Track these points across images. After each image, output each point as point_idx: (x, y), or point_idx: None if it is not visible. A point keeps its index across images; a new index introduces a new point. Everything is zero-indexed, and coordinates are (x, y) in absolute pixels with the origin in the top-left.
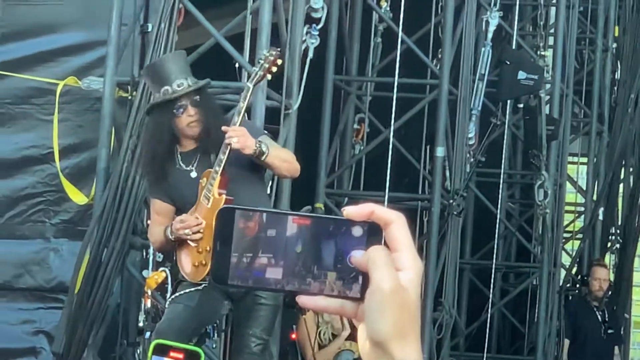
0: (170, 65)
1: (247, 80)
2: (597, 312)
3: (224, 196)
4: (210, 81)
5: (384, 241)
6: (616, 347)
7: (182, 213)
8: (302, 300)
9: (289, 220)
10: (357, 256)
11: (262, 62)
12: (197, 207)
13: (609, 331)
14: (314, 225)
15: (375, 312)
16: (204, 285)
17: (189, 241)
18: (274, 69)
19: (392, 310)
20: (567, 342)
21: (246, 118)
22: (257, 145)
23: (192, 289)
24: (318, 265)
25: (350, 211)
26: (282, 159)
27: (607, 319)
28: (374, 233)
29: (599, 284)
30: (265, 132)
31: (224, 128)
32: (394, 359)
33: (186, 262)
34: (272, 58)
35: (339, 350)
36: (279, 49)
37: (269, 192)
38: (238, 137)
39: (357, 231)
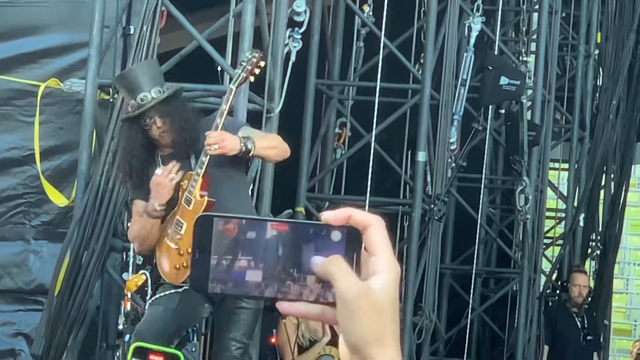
0: (136, 75)
1: (230, 83)
2: (576, 319)
3: (205, 198)
4: (183, 87)
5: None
6: (595, 354)
7: (164, 215)
8: (283, 306)
9: (268, 225)
10: (317, 263)
11: (244, 64)
12: (177, 210)
13: (588, 337)
14: (294, 230)
15: (347, 320)
16: (184, 287)
17: (169, 243)
18: (257, 71)
19: (363, 316)
20: (546, 348)
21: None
22: (242, 144)
23: (173, 291)
24: (297, 268)
25: (328, 216)
26: (269, 146)
27: (586, 326)
28: (352, 237)
29: (579, 290)
30: (246, 123)
31: (206, 133)
32: None
33: (166, 264)
34: (254, 60)
35: (318, 356)
36: (261, 52)
37: (250, 194)
38: (217, 144)
39: (335, 236)
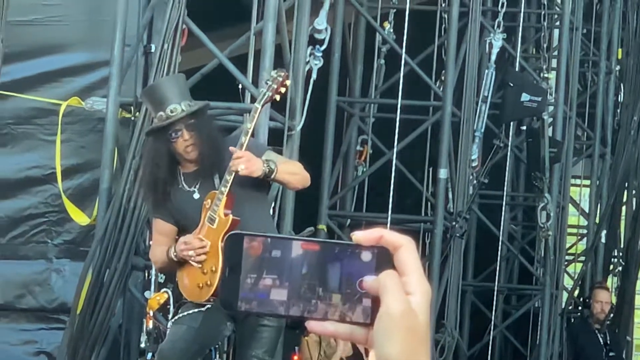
0: (165, 88)
1: (255, 102)
2: (599, 335)
3: (230, 216)
4: (209, 103)
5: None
6: None
7: (186, 233)
8: (312, 325)
9: (297, 243)
10: (369, 281)
11: (270, 83)
12: (201, 229)
13: (611, 354)
14: (322, 249)
15: (384, 336)
16: (207, 306)
17: (192, 263)
18: (282, 90)
19: (400, 334)
20: None
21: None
22: (265, 166)
23: (196, 310)
24: (324, 287)
25: (359, 236)
26: (291, 172)
27: (609, 342)
28: (383, 257)
29: (601, 306)
30: (269, 147)
31: (231, 149)
32: None
33: (189, 283)
34: (280, 79)
35: None
36: (285, 70)
37: (271, 213)
38: (245, 164)
39: (366, 256)
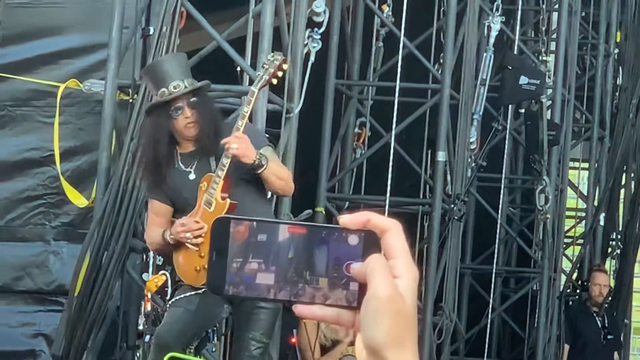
0: (168, 66)
1: (252, 85)
2: (597, 318)
3: (228, 200)
4: (210, 83)
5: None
6: (616, 353)
7: (182, 214)
8: (299, 309)
9: (283, 227)
10: (356, 266)
11: (266, 66)
12: (197, 212)
13: (609, 337)
14: (309, 233)
15: (371, 320)
16: (203, 289)
17: (189, 245)
18: (280, 73)
19: (388, 318)
20: (566, 347)
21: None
22: (257, 158)
23: (192, 293)
24: (311, 271)
25: (346, 219)
26: (278, 176)
27: (606, 325)
28: (370, 241)
29: (599, 289)
30: (270, 144)
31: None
32: None
33: (186, 266)
34: (277, 63)
35: (341, 356)
36: (282, 54)
37: (269, 195)
38: (239, 145)
39: (353, 240)
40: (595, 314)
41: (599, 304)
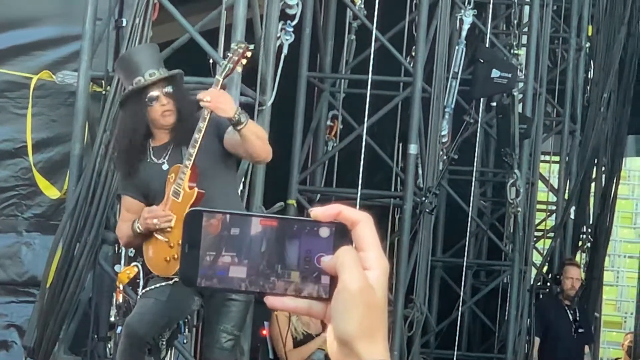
0: (141, 56)
1: (216, 74)
2: (568, 311)
3: (195, 189)
4: (183, 72)
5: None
6: (586, 346)
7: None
8: (270, 301)
9: (256, 220)
10: (327, 258)
11: (231, 55)
12: (166, 203)
13: (580, 330)
14: (281, 226)
15: (342, 312)
16: (174, 280)
17: (157, 235)
18: (244, 61)
19: (358, 310)
20: (537, 340)
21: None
22: (237, 113)
23: (163, 284)
24: (282, 264)
25: (317, 212)
26: (257, 134)
27: (578, 318)
28: (341, 233)
29: (572, 282)
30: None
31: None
32: (361, 357)
33: (155, 256)
34: (240, 51)
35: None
36: (248, 43)
37: (241, 188)
38: (212, 97)
39: (324, 232)
40: (567, 308)
41: (571, 298)
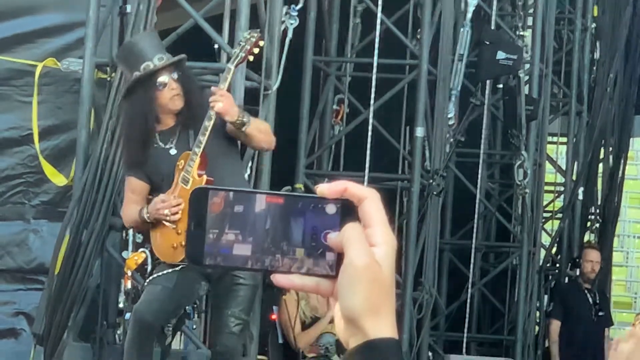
0: (144, 43)
1: (228, 62)
2: (588, 295)
3: (204, 177)
4: (186, 57)
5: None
6: (606, 329)
7: (160, 192)
8: (277, 278)
9: (262, 198)
10: (333, 235)
11: (242, 43)
12: (174, 189)
13: (600, 313)
14: (286, 203)
15: (347, 288)
16: (181, 266)
17: (166, 223)
18: (256, 50)
19: (364, 286)
20: (557, 323)
21: None
22: (240, 115)
23: (170, 270)
24: (288, 241)
25: (324, 189)
26: (260, 129)
27: (597, 301)
28: (347, 210)
29: (591, 266)
30: (241, 105)
31: (212, 89)
32: (367, 334)
33: (163, 243)
34: (253, 40)
35: (322, 333)
36: (259, 30)
37: (249, 172)
38: (223, 102)
39: (330, 209)
40: (587, 291)
41: (591, 281)
